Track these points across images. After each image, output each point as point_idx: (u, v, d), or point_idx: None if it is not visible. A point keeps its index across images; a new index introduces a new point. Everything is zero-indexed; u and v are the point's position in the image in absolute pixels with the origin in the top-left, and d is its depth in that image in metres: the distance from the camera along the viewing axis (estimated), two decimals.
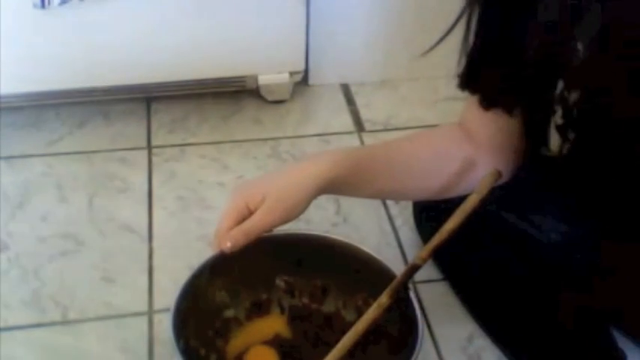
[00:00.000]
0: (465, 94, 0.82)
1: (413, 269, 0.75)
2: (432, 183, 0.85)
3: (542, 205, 0.91)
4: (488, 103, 0.79)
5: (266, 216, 0.77)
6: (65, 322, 0.97)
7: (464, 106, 0.85)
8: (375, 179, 0.84)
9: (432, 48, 0.74)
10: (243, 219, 0.77)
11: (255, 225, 0.77)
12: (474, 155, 0.83)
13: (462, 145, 0.84)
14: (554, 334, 0.88)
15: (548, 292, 0.90)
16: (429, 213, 1.00)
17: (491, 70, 0.76)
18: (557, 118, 0.72)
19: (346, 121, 1.33)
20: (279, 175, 0.81)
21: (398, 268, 0.78)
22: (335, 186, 0.81)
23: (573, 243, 0.88)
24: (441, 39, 0.74)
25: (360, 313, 0.76)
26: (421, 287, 1.01)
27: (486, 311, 0.97)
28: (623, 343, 0.91)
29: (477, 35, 0.74)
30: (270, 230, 0.78)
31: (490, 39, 0.74)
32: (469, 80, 0.79)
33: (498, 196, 0.82)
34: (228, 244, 0.76)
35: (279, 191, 0.78)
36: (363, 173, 0.83)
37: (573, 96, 0.69)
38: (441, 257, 0.98)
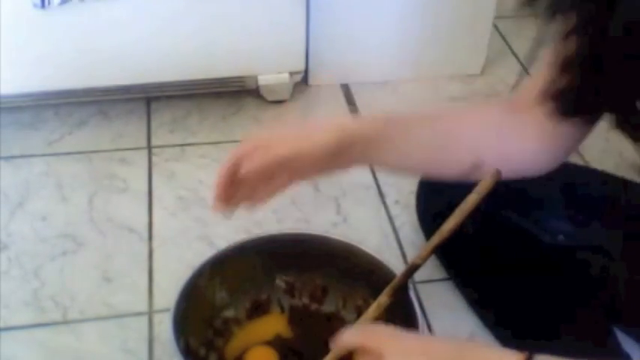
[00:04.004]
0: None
1: (413, 269, 0.75)
2: (466, 160, 0.79)
3: (545, 204, 0.91)
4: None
5: (288, 139, 0.73)
6: (65, 322, 0.97)
7: (527, 84, 0.79)
8: (405, 146, 0.79)
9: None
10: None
11: (274, 144, 0.73)
12: (514, 140, 0.79)
13: (505, 127, 0.79)
14: (556, 334, 0.88)
15: (551, 292, 0.90)
16: (434, 211, 1.00)
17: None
18: None
19: None
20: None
21: (398, 268, 0.78)
22: (357, 142, 0.75)
23: (577, 242, 0.88)
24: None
25: (360, 313, 0.76)
26: (421, 287, 1.01)
27: (488, 311, 0.97)
28: (624, 342, 0.91)
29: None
30: (289, 154, 0.73)
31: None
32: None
33: (502, 196, 0.81)
34: (246, 164, 0.72)
35: (303, 129, 0.75)
36: (391, 137, 0.78)
37: None
38: (446, 256, 0.98)
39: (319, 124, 0.76)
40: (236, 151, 0.73)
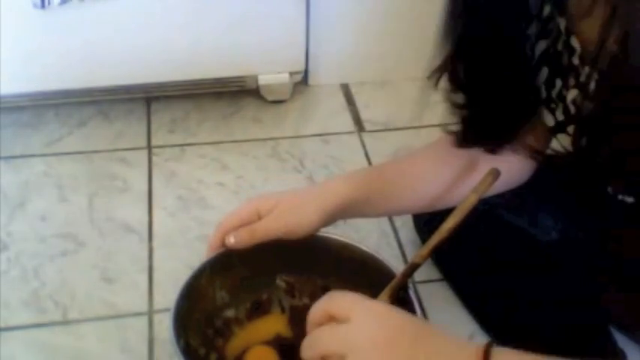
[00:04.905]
0: None
1: (412, 268, 0.75)
2: (453, 196, 0.84)
3: (541, 203, 0.91)
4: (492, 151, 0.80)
5: (273, 222, 0.78)
6: (65, 322, 0.97)
7: None
8: (389, 198, 0.84)
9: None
10: (250, 222, 0.78)
11: (260, 227, 0.78)
12: (487, 161, 0.82)
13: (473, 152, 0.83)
14: (554, 334, 0.88)
15: (548, 291, 0.90)
16: (427, 213, 1.00)
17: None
18: (559, 114, 0.72)
19: (346, 121, 1.33)
20: (296, 191, 0.83)
21: (398, 268, 0.78)
22: (349, 209, 0.81)
23: (573, 241, 0.88)
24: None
25: None
26: (421, 287, 1.01)
27: (486, 310, 0.97)
28: (624, 342, 0.91)
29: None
30: (274, 237, 0.78)
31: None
32: (471, 137, 0.79)
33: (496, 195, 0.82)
34: (232, 240, 0.77)
35: (291, 203, 0.79)
36: (378, 194, 0.83)
37: (572, 93, 0.69)
38: (441, 257, 0.98)
39: (309, 196, 0.81)
40: (223, 226, 0.79)
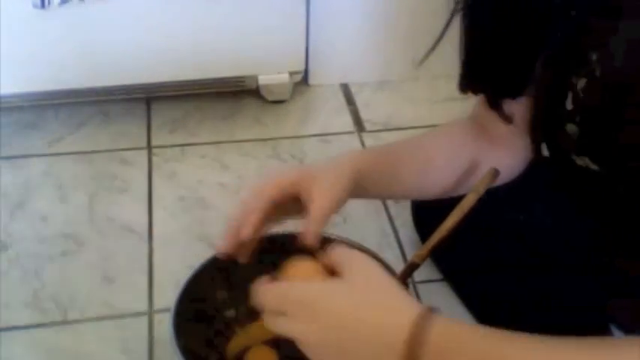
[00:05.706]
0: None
1: (412, 267, 0.75)
2: (449, 181, 0.84)
3: (534, 196, 0.91)
4: (492, 103, 0.79)
5: (324, 201, 0.75)
6: (65, 322, 0.97)
7: (476, 101, 0.84)
8: (398, 174, 0.83)
9: (428, 53, 0.75)
10: (291, 194, 0.76)
11: (316, 211, 0.74)
12: (486, 152, 0.83)
13: (476, 142, 0.83)
14: (554, 333, 0.88)
15: (548, 290, 0.90)
16: (427, 212, 1.00)
17: (493, 68, 0.76)
18: (568, 104, 0.72)
19: (346, 121, 1.33)
20: (318, 167, 0.79)
21: (398, 268, 0.78)
22: (360, 181, 0.79)
23: (569, 238, 0.88)
24: (436, 43, 0.75)
25: None
26: (421, 287, 1.01)
27: (486, 310, 0.97)
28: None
29: (473, 33, 0.74)
30: (328, 217, 0.75)
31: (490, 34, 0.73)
32: (469, 82, 0.79)
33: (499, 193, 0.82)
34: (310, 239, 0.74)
35: (327, 174, 0.76)
36: (387, 168, 0.82)
37: (581, 82, 0.68)
38: (441, 257, 0.98)
39: (336, 169, 0.78)
40: (266, 193, 0.75)
